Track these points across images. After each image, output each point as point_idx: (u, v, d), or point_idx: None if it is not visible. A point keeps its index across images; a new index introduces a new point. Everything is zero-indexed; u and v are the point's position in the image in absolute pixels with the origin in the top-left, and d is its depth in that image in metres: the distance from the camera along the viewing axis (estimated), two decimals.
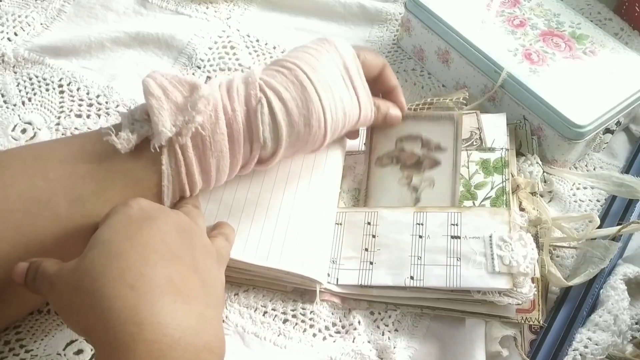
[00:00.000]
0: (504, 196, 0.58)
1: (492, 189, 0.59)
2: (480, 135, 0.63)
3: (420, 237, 0.55)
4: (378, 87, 0.60)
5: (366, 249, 0.56)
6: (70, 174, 0.47)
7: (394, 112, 0.59)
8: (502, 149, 0.61)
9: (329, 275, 0.55)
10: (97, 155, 0.48)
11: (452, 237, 0.55)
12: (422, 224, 0.56)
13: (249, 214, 0.56)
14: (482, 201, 0.58)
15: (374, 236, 0.56)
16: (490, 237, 0.53)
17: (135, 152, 0.48)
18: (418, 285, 0.53)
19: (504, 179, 0.59)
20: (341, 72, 0.54)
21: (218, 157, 0.50)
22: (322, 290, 0.55)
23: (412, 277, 0.53)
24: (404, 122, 0.62)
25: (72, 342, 0.52)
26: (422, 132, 0.61)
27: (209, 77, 0.67)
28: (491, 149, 0.61)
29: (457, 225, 0.55)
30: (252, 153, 0.52)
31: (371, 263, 0.55)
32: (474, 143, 0.63)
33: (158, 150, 0.48)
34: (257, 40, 0.76)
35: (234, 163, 0.51)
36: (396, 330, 0.55)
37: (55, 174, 0.47)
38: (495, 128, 0.63)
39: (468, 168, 0.61)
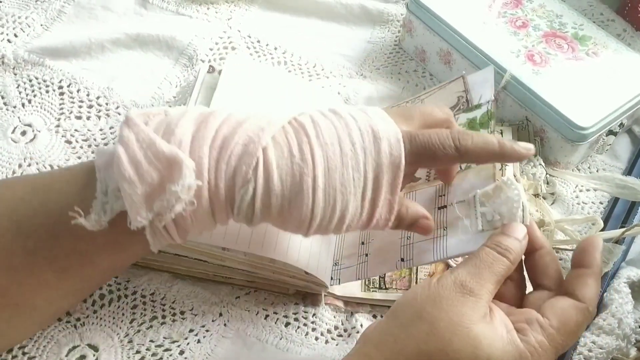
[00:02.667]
0: None
1: None
2: (466, 97, 0.59)
3: None
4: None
5: (363, 243, 0.55)
6: (51, 245, 0.44)
7: (424, 223, 0.48)
8: (487, 102, 0.56)
9: (332, 278, 0.55)
10: (78, 226, 0.42)
11: (439, 208, 0.51)
12: None
13: None
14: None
15: None
16: (475, 196, 0.48)
17: (116, 223, 0.42)
18: (409, 266, 0.50)
19: (488, 132, 0.54)
20: (362, 184, 0.44)
21: (200, 227, 0.45)
22: (325, 294, 0.55)
23: (402, 259, 0.50)
24: None
25: (74, 347, 0.51)
26: None
27: (211, 67, 0.66)
28: (477, 106, 0.56)
29: (444, 195, 0.52)
30: (229, 219, 0.46)
31: (367, 255, 0.54)
32: (461, 107, 0.59)
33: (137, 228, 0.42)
34: (259, 41, 0.76)
35: (214, 226, 0.47)
36: None
37: (34, 244, 0.43)
38: (481, 84, 0.58)
39: None
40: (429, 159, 0.46)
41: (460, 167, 0.52)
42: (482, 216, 0.47)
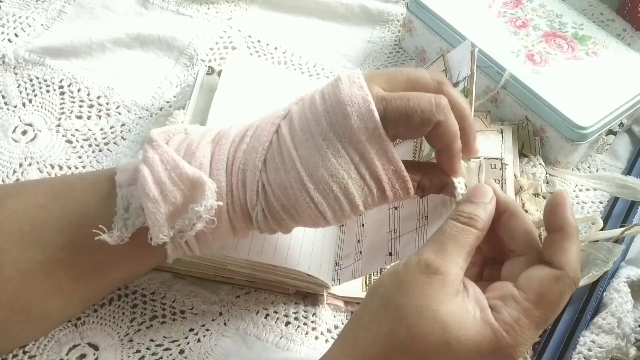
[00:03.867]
0: None
1: None
2: (446, 75, 0.55)
3: (396, 208, 0.52)
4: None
5: (358, 241, 0.55)
6: (69, 252, 0.45)
7: (451, 191, 0.45)
8: (464, 78, 0.52)
9: (333, 279, 0.55)
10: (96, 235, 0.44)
11: (421, 196, 0.49)
12: None
13: None
14: None
15: (362, 225, 0.55)
16: None
17: (136, 236, 0.44)
18: (396, 260, 0.49)
19: None
20: (353, 165, 0.43)
21: (221, 241, 0.47)
22: (326, 294, 0.55)
23: (390, 253, 0.50)
24: None
25: (75, 346, 0.52)
26: None
27: (210, 68, 0.66)
28: (455, 84, 0.53)
29: None
30: (249, 233, 0.49)
31: (360, 252, 0.54)
32: None
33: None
34: (259, 41, 0.76)
35: (234, 239, 0.49)
36: None
37: (53, 249, 0.45)
38: (460, 61, 0.55)
39: None
40: (403, 125, 0.42)
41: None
42: (454, 199, 0.45)
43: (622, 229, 0.57)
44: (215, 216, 0.44)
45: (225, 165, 0.45)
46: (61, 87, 0.69)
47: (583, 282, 0.55)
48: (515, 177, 0.61)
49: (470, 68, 0.51)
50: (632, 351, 0.52)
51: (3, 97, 0.68)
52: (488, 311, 0.38)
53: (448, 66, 0.56)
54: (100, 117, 0.67)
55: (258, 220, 0.45)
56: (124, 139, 0.66)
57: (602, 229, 0.58)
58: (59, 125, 0.66)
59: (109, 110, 0.68)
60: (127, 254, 0.46)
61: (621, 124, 0.66)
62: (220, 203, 0.43)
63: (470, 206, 0.41)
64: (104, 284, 0.49)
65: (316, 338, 0.54)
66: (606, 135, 0.65)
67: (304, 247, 0.54)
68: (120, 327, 0.53)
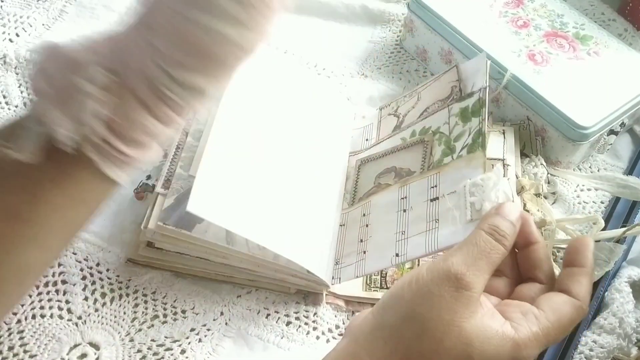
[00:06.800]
0: (480, 138, 0.51)
1: (469, 135, 0.52)
2: (459, 86, 0.57)
3: (405, 211, 0.53)
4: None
5: (361, 240, 0.55)
6: None
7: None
8: (479, 90, 0.54)
9: (333, 277, 0.55)
10: (14, 163, 0.38)
11: (431, 200, 0.51)
12: (405, 197, 0.54)
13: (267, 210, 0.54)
14: (460, 152, 0.52)
15: (367, 225, 0.55)
16: (465, 186, 0.48)
17: (55, 152, 0.38)
18: (403, 261, 0.50)
19: (480, 120, 0.52)
20: None
21: (144, 130, 0.40)
22: (327, 293, 0.55)
23: (397, 254, 0.50)
24: (382, 159, 0.60)
25: (76, 346, 0.52)
26: (395, 164, 0.58)
27: None
28: (469, 95, 0.55)
29: (436, 186, 0.52)
30: (174, 111, 0.40)
31: (364, 252, 0.54)
32: (454, 97, 0.57)
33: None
34: None
35: (160, 127, 0.41)
36: None
37: None
38: (474, 72, 0.56)
39: (449, 124, 0.55)
40: None
41: (452, 157, 0.52)
42: (471, 206, 0.46)
43: (624, 229, 0.57)
44: (107, 90, 0.37)
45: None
46: None
47: None
48: (517, 178, 0.61)
49: (485, 80, 0.53)
50: (634, 351, 0.52)
51: (4, 97, 0.68)
52: (507, 325, 0.39)
53: (461, 77, 0.57)
54: None
55: (163, 83, 0.38)
56: None
57: (603, 229, 0.58)
58: None
59: None
60: (53, 172, 0.40)
61: (622, 124, 0.66)
62: (102, 71, 0.38)
63: (503, 222, 0.41)
64: (46, 218, 0.41)
65: (317, 338, 0.54)
66: (607, 135, 0.65)
67: (305, 243, 0.54)
68: (122, 326, 0.53)
